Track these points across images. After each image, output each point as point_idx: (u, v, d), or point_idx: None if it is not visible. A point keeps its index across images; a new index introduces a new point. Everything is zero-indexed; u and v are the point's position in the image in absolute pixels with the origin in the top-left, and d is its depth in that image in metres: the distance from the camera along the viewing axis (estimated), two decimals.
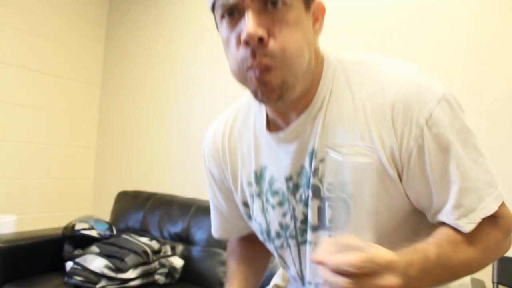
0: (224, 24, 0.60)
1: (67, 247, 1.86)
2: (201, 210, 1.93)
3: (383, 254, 0.44)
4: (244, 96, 0.79)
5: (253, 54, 0.55)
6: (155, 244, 1.80)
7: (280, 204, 0.70)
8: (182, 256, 1.86)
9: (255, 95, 0.60)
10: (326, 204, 0.63)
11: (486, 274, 1.27)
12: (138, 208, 2.15)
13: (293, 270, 0.74)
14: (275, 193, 0.70)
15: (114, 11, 2.82)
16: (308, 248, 0.68)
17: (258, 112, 0.73)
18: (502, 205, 0.59)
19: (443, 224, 0.59)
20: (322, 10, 0.64)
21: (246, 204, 0.77)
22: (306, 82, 0.61)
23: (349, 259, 0.43)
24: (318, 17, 0.64)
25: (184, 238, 1.93)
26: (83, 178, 2.72)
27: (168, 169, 2.39)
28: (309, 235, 0.67)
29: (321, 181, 0.63)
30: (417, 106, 0.56)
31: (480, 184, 0.57)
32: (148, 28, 2.59)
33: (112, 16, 2.82)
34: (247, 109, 0.76)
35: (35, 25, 2.41)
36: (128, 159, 2.61)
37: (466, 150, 0.57)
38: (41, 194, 2.45)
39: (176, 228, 1.97)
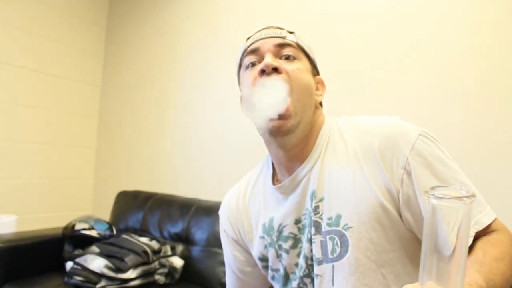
0: (247, 71, 0.73)
1: (67, 247, 1.86)
2: (201, 210, 1.93)
3: None
4: (252, 169, 0.91)
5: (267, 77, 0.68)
6: (155, 244, 1.80)
7: (294, 246, 0.76)
8: (182, 256, 1.86)
9: (267, 124, 0.69)
10: (327, 237, 0.69)
11: None
12: (138, 208, 2.15)
13: None
14: (287, 238, 0.76)
15: (114, 11, 2.82)
16: (315, 281, 0.71)
17: (266, 171, 0.83)
18: (497, 221, 0.64)
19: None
20: (322, 84, 0.79)
21: (262, 259, 0.83)
22: (309, 125, 0.73)
23: None
24: (319, 88, 0.78)
25: (184, 238, 1.93)
26: (83, 178, 2.72)
27: (168, 169, 2.39)
28: (315, 269, 0.71)
29: (321, 218, 0.70)
30: (401, 141, 0.66)
31: None
32: (148, 28, 2.59)
33: (112, 17, 2.83)
34: (257, 175, 0.87)
35: (35, 25, 2.41)
36: (128, 159, 2.61)
37: (451, 173, 0.64)
38: (41, 194, 2.46)
39: (176, 228, 1.97)
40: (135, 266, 1.65)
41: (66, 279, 1.68)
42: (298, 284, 0.75)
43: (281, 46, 0.72)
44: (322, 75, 0.81)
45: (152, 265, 1.72)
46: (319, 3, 1.84)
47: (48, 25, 2.48)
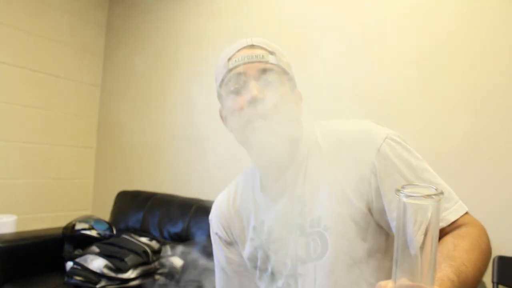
0: (232, 96, 0.77)
1: (67, 247, 1.86)
2: (201, 210, 1.93)
3: None
4: (240, 174, 0.95)
5: (254, 108, 0.72)
6: (155, 244, 1.80)
7: (282, 248, 0.80)
8: (182, 256, 1.86)
9: (265, 161, 0.73)
10: (310, 238, 0.74)
11: (486, 274, 1.27)
12: (138, 208, 2.15)
13: None
14: (276, 239, 0.80)
15: (114, 11, 2.82)
16: (299, 281, 0.76)
17: (254, 177, 0.88)
18: (467, 215, 0.68)
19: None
20: (300, 97, 0.84)
21: (252, 259, 0.87)
22: (295, 142, 0.78)
23: None
24: (298, 102, 0.83)
25: (184, 238, 1.93)
26: (83, 178, 2.72)
27: (168, 169, 2.39)
28: (299, 269, 0.76)
29: (305, 220, 0.75)
30: (368, 145, 0.71)
31: None
32: (148, 28, 2.59)
33: (112, 17, 2.83)
34: (245, 180, 0.91)
35: (35, 25, 2.41)
36: (128, 159, 2.61)
37: (417, 174, 0.68)
38: (41, 194, 2.45)
39: (176, 228, 1.97)
40: (135, 266, 1.65)
41: (66, 279, 1.68)
42: (283, 284, 0.80)
43: (264, 71, 0.75)
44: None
45: (152, 265, 1.72)
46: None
47: (48, 25, 2.48)
